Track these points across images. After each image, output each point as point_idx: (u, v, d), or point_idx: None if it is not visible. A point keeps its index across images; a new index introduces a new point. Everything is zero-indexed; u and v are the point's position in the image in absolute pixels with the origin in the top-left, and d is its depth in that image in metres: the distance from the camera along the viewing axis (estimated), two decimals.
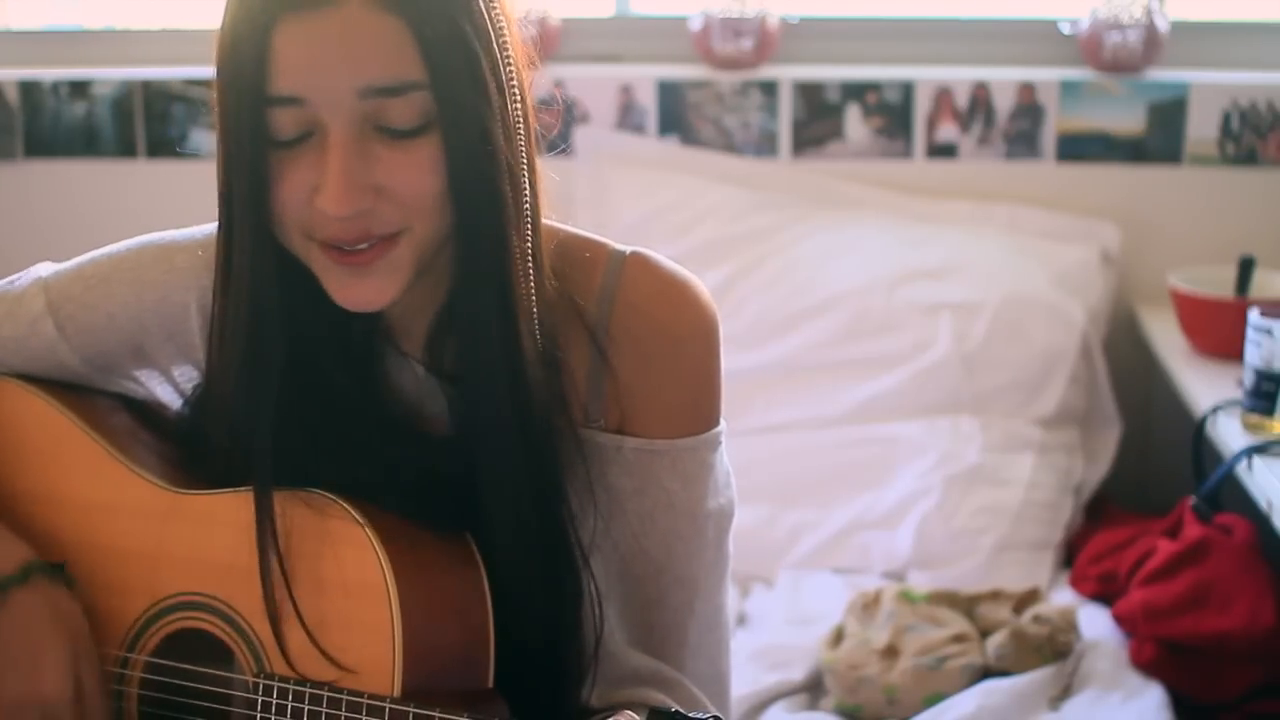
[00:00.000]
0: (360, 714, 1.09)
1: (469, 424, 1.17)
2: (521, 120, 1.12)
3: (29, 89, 2.85)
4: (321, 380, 1.17)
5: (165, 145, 2.82)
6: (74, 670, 1.16)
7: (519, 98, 1.12)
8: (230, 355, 1.15)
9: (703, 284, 1.23)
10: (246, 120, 1.05)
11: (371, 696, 1.09)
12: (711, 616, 1.30)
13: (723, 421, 1.26)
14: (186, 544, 1.19)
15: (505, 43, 1.11)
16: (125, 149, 2.84)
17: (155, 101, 2.81)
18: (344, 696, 1.10)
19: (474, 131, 1.07)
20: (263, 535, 1.13)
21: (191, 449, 1.25)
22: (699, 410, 1.24)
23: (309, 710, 1.12)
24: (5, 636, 1.16)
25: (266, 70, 1.04)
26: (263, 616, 1.14)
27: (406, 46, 1.04)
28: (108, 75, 2.83)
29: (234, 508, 1.16)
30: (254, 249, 1.10)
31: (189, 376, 1.28)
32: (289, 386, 1.14)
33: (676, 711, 1.03)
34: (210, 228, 1.23)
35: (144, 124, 2.82)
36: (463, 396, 1.17)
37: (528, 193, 1.13)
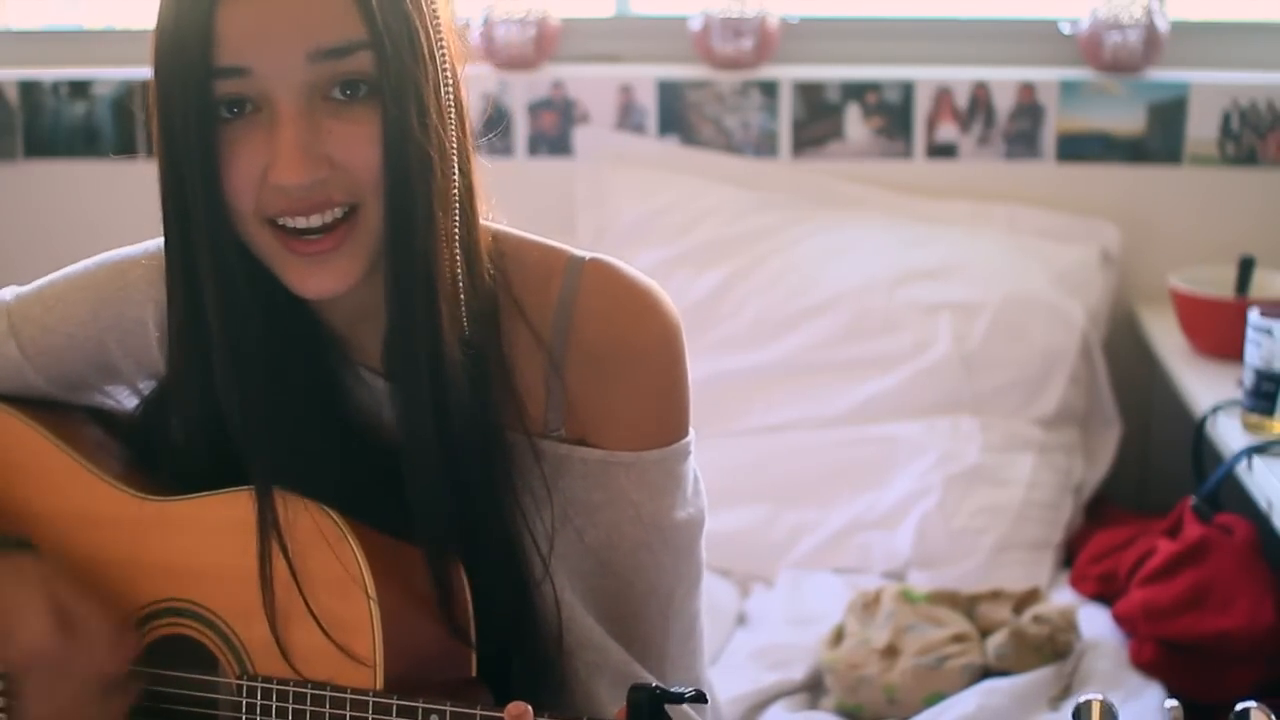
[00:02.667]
0: (344, 710, 1.10)
1: (400, 423, 1.15)
2: (453, 106, 1.12)
3: (29, 89, 2.85)
4: (277, 389, 1.16)
5: None
6: (54, 610, 1.14)
7: (450, 81, 1.12)
8: (193, 353, 1.14)
9: (663, 290, 1.21)
10: (193, 98, 1.05)
11: (354, 691, 1.10)
12: (686, 626, 1.28)
13: (691, 431, 1.23)
14: (162, 550, 1.18)
15: (440, 25, 1.11)
16: (125, 149, 2.84)
17: None
18: (327, 693, 1.11)
19: (410, 99, 1.07)
20: (264, 537, 1.13)
21: (148, 452, 1.25)
22: (664, 422, 1.21)
23: (293, 709, 1.12)
24: None
25: (212, 45, 1.04)
26: (242, 618, 1.14)
27: (350, 7, 1.05)
28: (108, 75, 2.83)
29: (206, 511, 1.16)
30: (213, 235, 1.09)
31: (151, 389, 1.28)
32: (259, 396, 1.14)
33: (657, 686, 1.04)
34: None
35: (144, 124, 2.82)
36: (393, 391, 1.16)
37: (456, 178, 1.12)
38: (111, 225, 2.91)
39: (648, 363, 1.19)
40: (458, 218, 1.13)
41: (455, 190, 1.12)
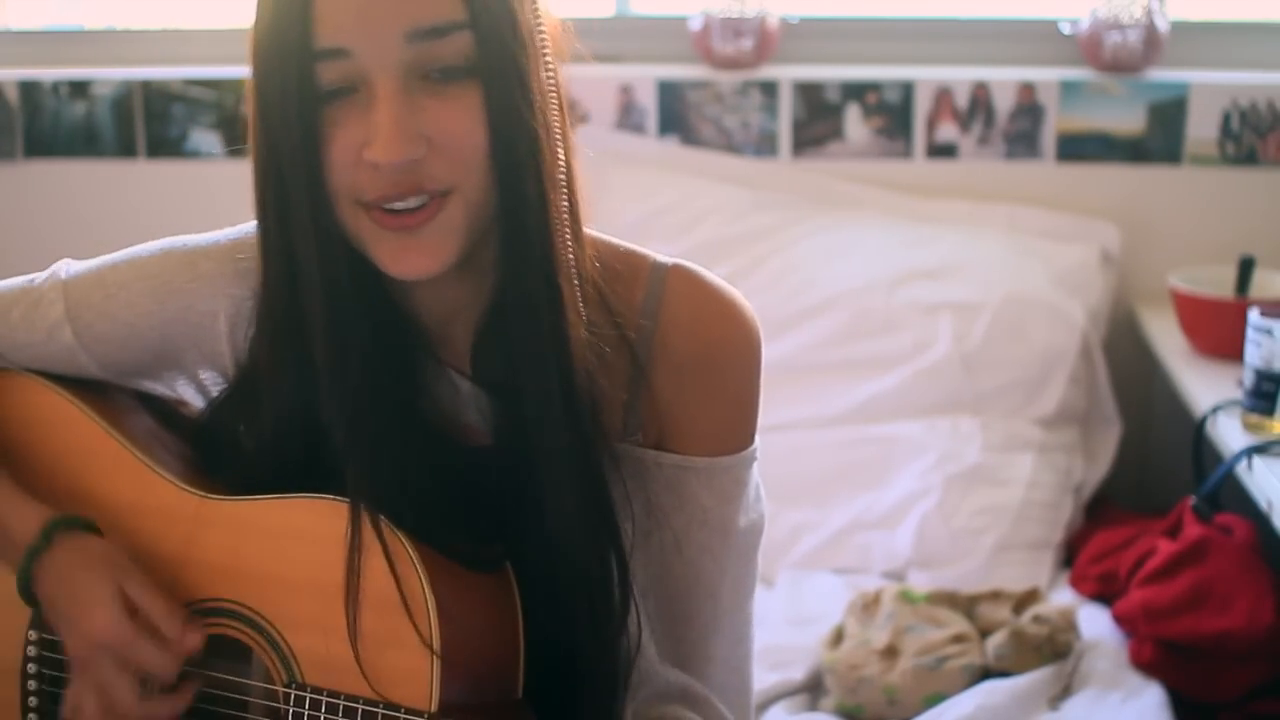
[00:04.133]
0: None
1: (516, 431, 1.14)
2: (555, 91, 1.11)
3: (29, 89, 2.85)
4: (370, 389, 1.13)
5: (165, 145, 2.82)
6: (120, 598, 1.13)
7: (551, 67, 1.11)
8: (287, 352, 1.13)
9: (745, 299, 1.21)
10: (293, 81, 1.04)
11: (408, 711, 1.08)
12: (739, 630, 1.28)
13: (757, 439, 1.23)
14: (215, 550, 1.17)
15: (539, 12, 1.10)
16: (125, 149, 2.84)
17: (155, 101, 2.81)
18: (380, 710, 1.09)
19: (513, 78, 1.06)
20: (353, 552, 1.10)
21: (211, 452, 1.23)
22: (738, 429, 1.21)
23: None
24: (52, 600, 1.16)
25: (311, 25, 1.03)
26: (293, 626, 1.13)
27: None
28: (108, 75, 2.83)
29: (269, 515, 1.15)
30: (315, 220, 1.07)
31: (213, 380, 1.26)
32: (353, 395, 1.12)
33: None
34: (237, 231, 1.22)
35: (144, 124, 2.82)
36: (511, 401, 1.13)
37: (563, 164, 1.11)
38: (111, 225, 2.92)
39: (730, 371, 1.19)
40: (566, 202, 1.12)
41: (563, 174, 1.11)
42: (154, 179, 2.83)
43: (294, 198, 1.07)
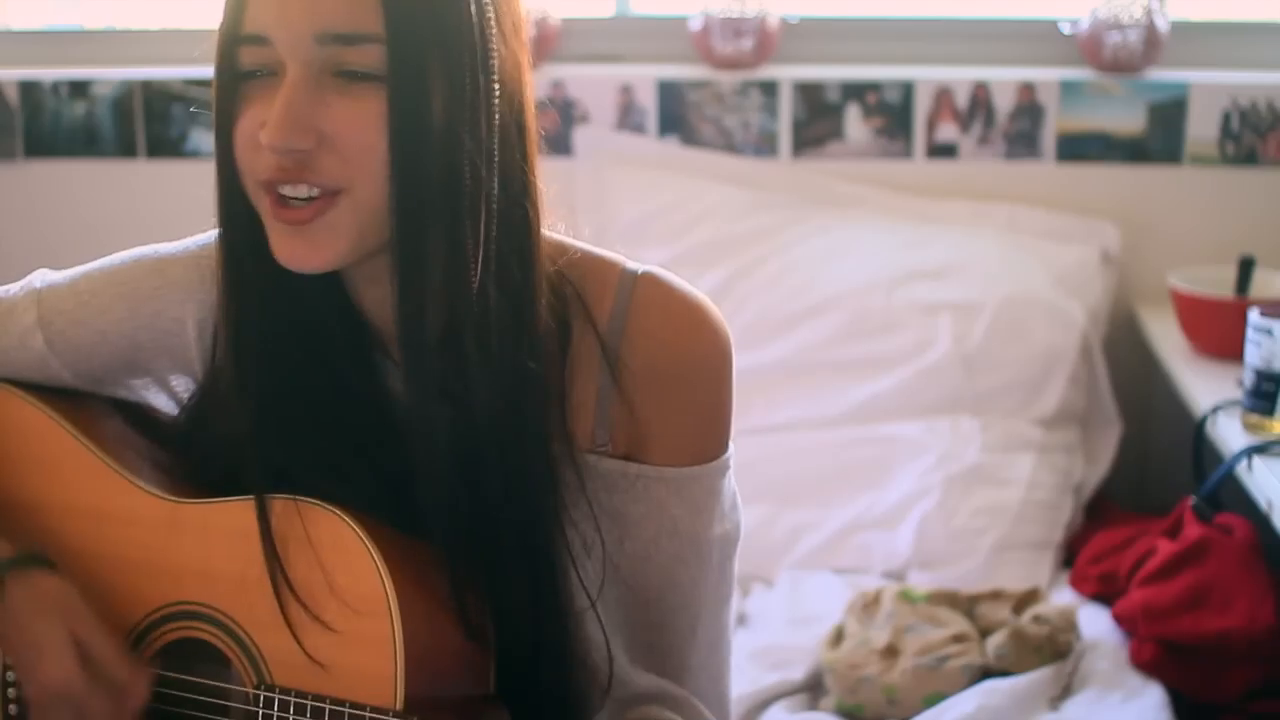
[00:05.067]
0: None
1: (408, 414, 1.14)
2: (499, 112, 1.10)
3: (29, 89, 2.85)
4: (314, 385, 1.16)
5: (165, 145, 2.82)
6: (73, 646, 1.14)
7: (498, 91, 1.10)
8: (242, 353, 1.15)
9: (714, 305, 1.21)
10: (224, 60, 1.09)
11: (374, 710, 1.09)
12: (714, 638, 1.28)
13: (731, 445, 1.23)
14: (184, 553, 1.18)
15: (492, 31, 1.09)
16: (125, 149, 2.84)
17: (155, 101, 2.81)
18: (346, 710, 1.09)
19: (421, 96, 1.06)
20: (267, 542, 1.12)
21: (185, 457, 1.24)
22: (709, 438, 1.21)
23: None
24: (6, 642, 1.16)
25: (242, 12, 1.08)
26: (261, 627, 1.13)
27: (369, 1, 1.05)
28: (108, 75, 2.83)
29: (231, 517, 1.15)
30: (228, 200, 1.11)
31: (185, 386, 1.28)
32: (286, 390, 1.14)
33: None
34: (206, 236, 1.23)
35: (144, 124, 2.82)
36: (405, 381, 1.13)
37: (497, 191, 1.10)
38: (111, 225, 2.92)
39: (698, 381, 1.19)
40: (496, 222, 1.10)
41: (492, 194, 1.10)
42: (154, 179, 2.83)
43: (221, 181, 1.12)
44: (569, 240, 1.20)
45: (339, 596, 1.11)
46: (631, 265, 1.20)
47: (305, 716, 1.11)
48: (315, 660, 1.11)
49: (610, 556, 1.19)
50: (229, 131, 1.10)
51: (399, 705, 1.09)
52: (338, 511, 1.12)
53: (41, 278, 1.28)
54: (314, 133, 1.06)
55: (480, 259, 1.09)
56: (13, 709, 1.24)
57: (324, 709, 1.10)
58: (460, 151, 1.08)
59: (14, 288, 1.28)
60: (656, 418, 1.18)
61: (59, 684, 1.13)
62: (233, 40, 1.08)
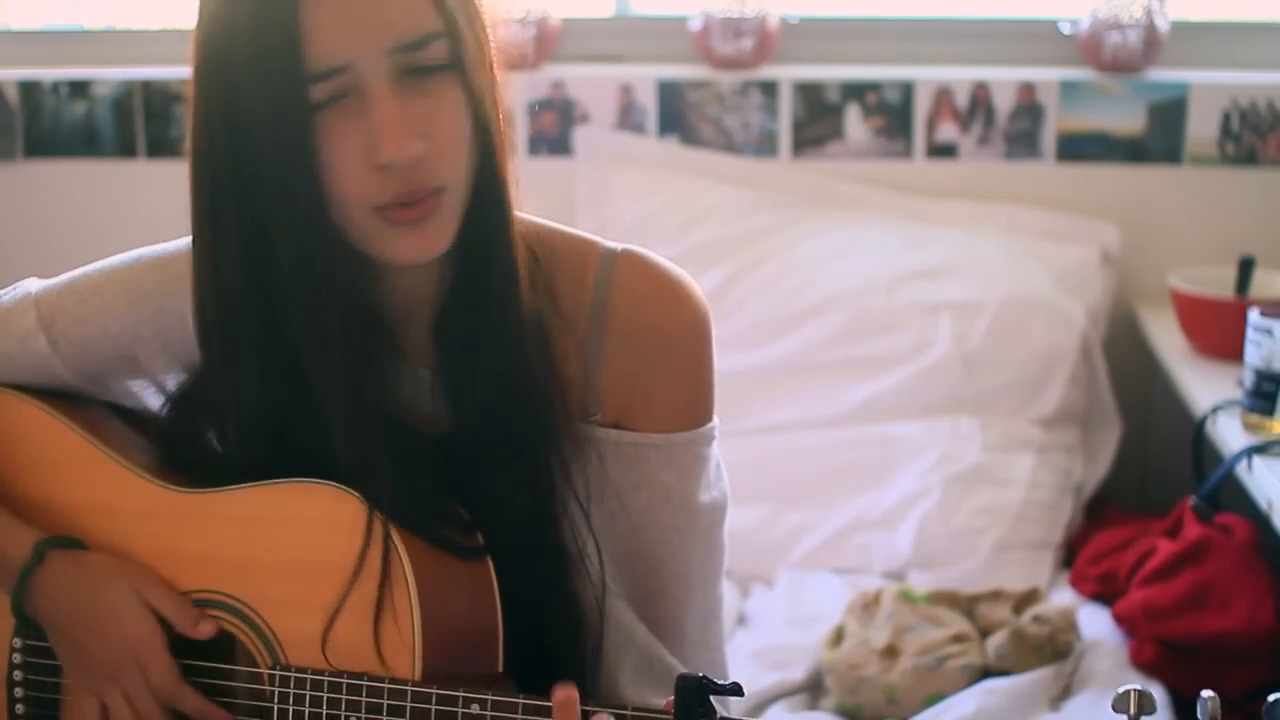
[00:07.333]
0: (381, 699, 1.11)
1: (468, 411, 1.18)
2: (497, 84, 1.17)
3: (29, 89, 2.85)
4: (343, 380, 1.16)
5: (165, 145, 2.82)
6: (146, 605, 1.18)
7: (496, 61, 1.16)
8: (245, 350, 1.15)
9: (694, 280, 1.25)
10: (286, 99, 1.06)
11: (393, 681, 1.11)
12: (710, 608, 1.32)
13: (715, 417, 1.27)
14: (195, 542, 1.20)
15: (483, 15, 1.15)
16: (125, 149, 2.84)
17: (155, 101, 2.81)
18: (364, 683, 1.11)
19: (485, 74, 1.12)
20: (370, 536, 1.14)
21: (176, 449, 1.26)
22: (694, 406, 1.25)
23: (328, 698, 1.13)
24: (66, 614, 1.19)
25: (300, 47, 1.05)
26: (275, 609, 1.16)
27: (424, 1, 1.09)
28: (108, 75, 2.83)
29: (243, 504, 1.18)
30: (311, 228, 1.10)
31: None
32: (293, 381, 1.15)
33: (704, 677, 1.05)
34: None
35: (144, 124, 2.82)
36: (468, 383, 1.18)
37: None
38: (111, 225, 2.92)
39: (680, 347, 1.23)
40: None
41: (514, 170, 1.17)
42: (154, 179, 2.82)
43: (278, 208, 1.09)
44: (539, 220, 1.24)
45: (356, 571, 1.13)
46: (610, 244, 1.24)
47: (323, 692, 1.13)
48: (335, 639, 1.13)
49: (608, 527, 1.23)
50: (310, 167, 1.08)
51: (416, 676, 1.11)
52: (353, 490, 1.14)
53: (35, 284, 1.29)
54: (423, 134, 1.08)
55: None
56: (19, 708, 1.25)
57: (341, 683, 1.12)
58: (507, 124, 1.14)
59: (4, 294, 1.29)
60: (642, 386, 1.22)
61: (139, 638, 1.16)
62: (298, 79, 1.06)
